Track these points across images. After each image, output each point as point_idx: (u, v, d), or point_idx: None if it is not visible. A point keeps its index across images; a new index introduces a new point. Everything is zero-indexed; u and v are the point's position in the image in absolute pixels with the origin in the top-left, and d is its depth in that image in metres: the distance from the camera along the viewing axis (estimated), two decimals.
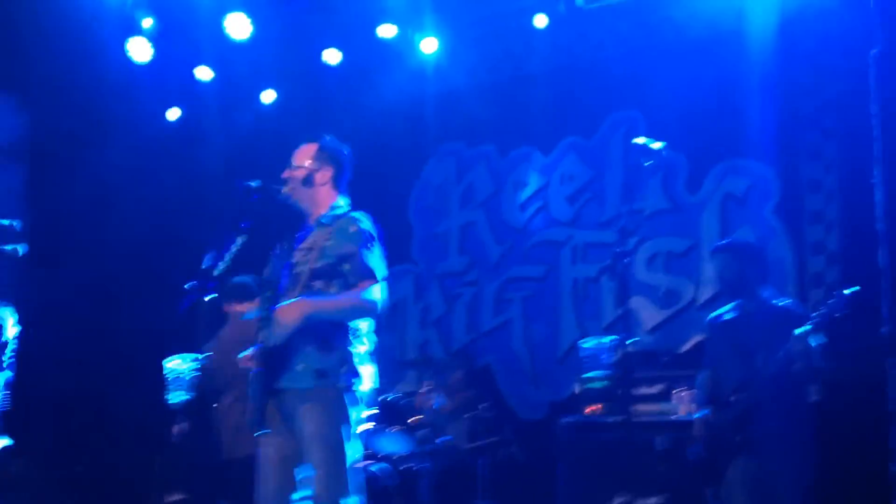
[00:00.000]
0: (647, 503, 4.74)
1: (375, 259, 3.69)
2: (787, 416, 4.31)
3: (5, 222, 4.11)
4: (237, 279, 4.88)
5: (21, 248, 4.20)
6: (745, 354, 4.42)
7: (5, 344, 3.92)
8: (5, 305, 4.58)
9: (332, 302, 3.61)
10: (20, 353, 4.18)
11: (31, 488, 6.36)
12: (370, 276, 3.63)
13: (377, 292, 3.64)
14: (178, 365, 4.73)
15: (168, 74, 7.25)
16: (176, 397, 4.70)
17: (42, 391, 5.76)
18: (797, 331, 4.14)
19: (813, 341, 4.12)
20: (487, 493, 5.81)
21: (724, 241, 5.02)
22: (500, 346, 7.13)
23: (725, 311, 4.69)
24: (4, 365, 3.93)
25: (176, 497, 5.21)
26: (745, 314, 4.56)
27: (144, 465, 5.90)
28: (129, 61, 6.95)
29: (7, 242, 4.09)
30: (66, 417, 6.47)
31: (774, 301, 4.58)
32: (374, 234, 3.74)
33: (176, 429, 4.77)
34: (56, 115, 7.00)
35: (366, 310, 3.63)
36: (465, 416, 6.19)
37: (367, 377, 3.70)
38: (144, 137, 7.30)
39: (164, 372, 4.76)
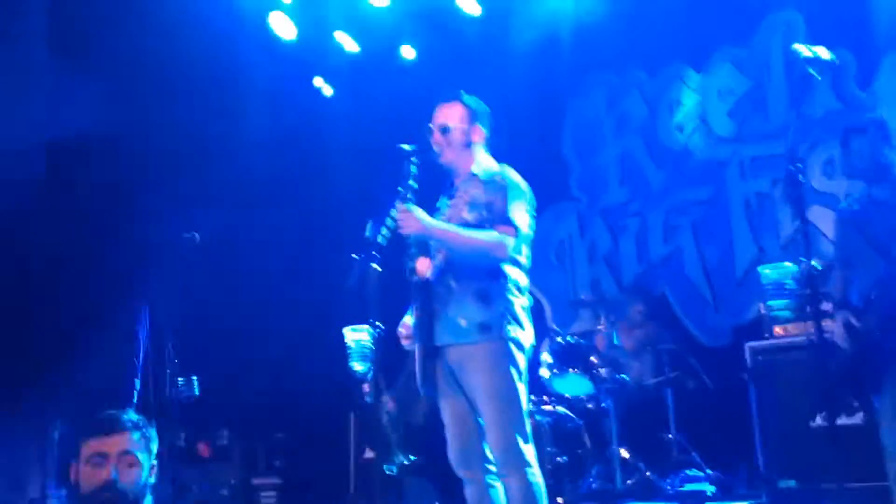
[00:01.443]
0: (850, 422, 4.50)
1: (519, 212, 3.63)
2: None
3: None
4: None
5: (197, 235, 4.38)
6: (882, 247, 3.86)
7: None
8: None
9: (459, 233, 3.58)
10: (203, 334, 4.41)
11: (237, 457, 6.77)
12: (508, 224, 3.59)
13: (510, 241, 3.58)
14: (358, 336, 4.86)
15: (312, 46, 7.36)
16: (361, 365, 4.84)
17: (231, 368, 6.05)
18: None
19: None
20: (679, 425, 5.70)
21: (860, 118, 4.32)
22: (673, 274, 6.94)
23: (856, 199, 4.13)
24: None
25: (369, 454, 5.39)
26: (880, 202, 3.96)
27: (339, 429, 6.14)
28: (271, 37, 7.09)
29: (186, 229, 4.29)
30: (259, 390, 6.79)
31: None
32: (520, 186, 3.69)
33: (365, 391, 4.92)
34: (196, 101, 7.23)
35: (492, 254, 3.57)
36: (647, 349, 6.08)
37: (529, 328, 3.66)
38: (291, 113, 7.47)
39: (346, 342, 4.91)
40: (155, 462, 2.86)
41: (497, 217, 3.60)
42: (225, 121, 7.37)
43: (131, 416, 2.87)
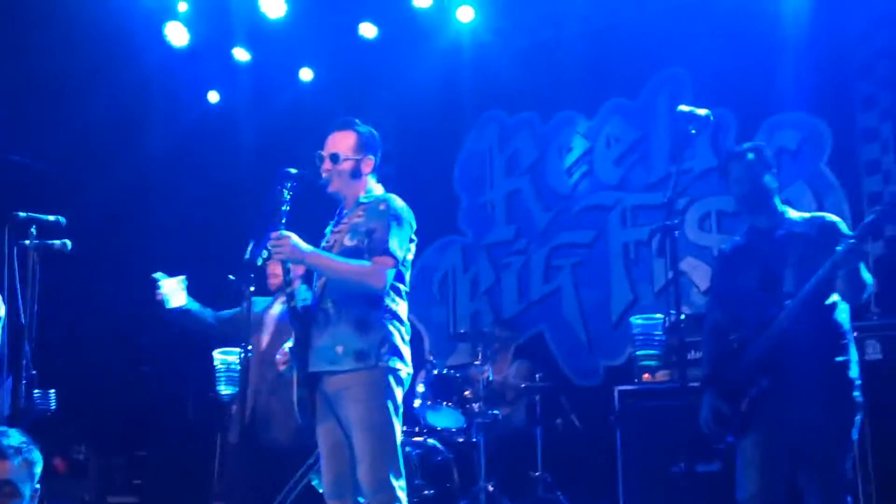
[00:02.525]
0: (707, 469, 4.65)
1: (398, 241, 3.61)
2: (823, 360, 3.52)
3: (51, 218, 4.12)
4: None
5: (69, 243, 4.20)
6: (767, 281, 3.62)
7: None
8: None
9: (333, 260, 3.56)
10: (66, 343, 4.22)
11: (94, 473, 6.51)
12: (386, 254, 3.57)
13: (387, 272, 3.56)
14: (227, 358, 4.74)
15: (206, 58, 7.25)
16: (227, 389, 4.72)
17: (94, 383, 5.84)
18: (840, 246, 3.39)
19: (859, 257, 3.44)
20: (546, 463, 5.77)
21: (739, 147, 3.96)
22: (551, 314, 7.06)
23: (740, 233, 3.90)
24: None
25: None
26: (763, 232, 3.74)
27: (204, 450, 5.98)
28: (166, 46, 6.95)
29: (53, 238, 4.10)
30: (123, 406, 6.57)
31: (802, 214, 3.79)
32: (403, 214, 3.68)
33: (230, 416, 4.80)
34: (95, 104, 7.03)
35: (367, 283, 3.54)
36: (520, 386, 6.15)
37: (408, 357, 3.65)
38: (184, 122, 7.33)
39: (215, 364, 4.79)
40: (38, 487, 2.67)
41: (376, 246, 3.57)
42: (112, 125, 7.18)
43: (13, 439, 2.67)
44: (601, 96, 7.02)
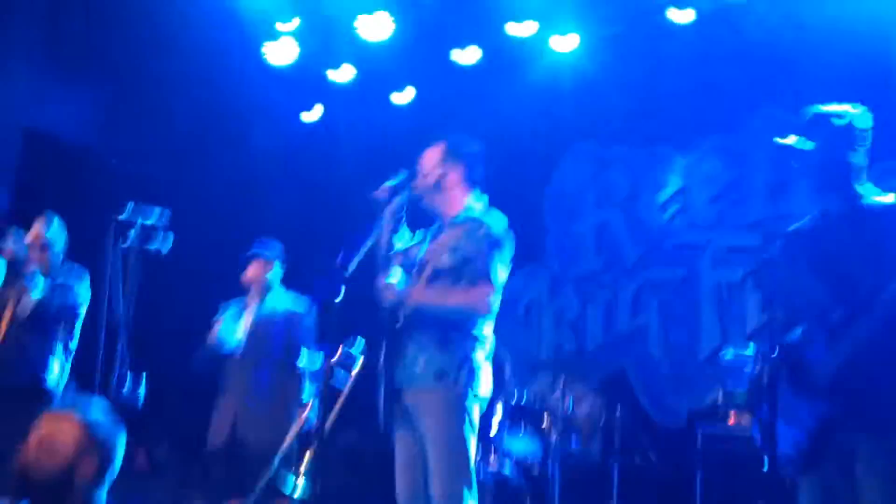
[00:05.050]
0: None
1: (498, 265, 3.64)
2: None
3: (151, 221, 4.24)
4: None
5: (167, 245, 4.32)
6: (836, 277, 3.02)
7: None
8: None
9: (438, 297, 3.60)
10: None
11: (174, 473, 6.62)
12: (486, 281, 3.60)
13: (490, 299, 3.60)
14: (313, 362, 4.82)
15: (305, 76, 7.41)
16: (309, 394, 4.78)
17: (183, 383, 5.96)
18: None
19: None
20: (622, 499, 5.66)
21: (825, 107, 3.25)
22: (636, 349, 6.95)
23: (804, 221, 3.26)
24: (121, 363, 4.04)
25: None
26: (834, 218, 3.14)
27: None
28: (266, 65, 7.14)
29: (153, 239, 4.23)
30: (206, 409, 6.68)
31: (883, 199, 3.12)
32: (503, 240, 3.69)
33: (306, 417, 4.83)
34: (195, 117, 7.26)
35: (473, 314, 3.61)
36: (600, 420, 6.06)
37: (487, 379, 3.64)
38: (282, 139, 7.49)
39: (300, 367, 4.86)
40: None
41: (478, 273, 3.60)
42: (210, 136, 7.39)
43: (91, 412, 2.70)
44: (699, 132, 6.92)
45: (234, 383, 4.91)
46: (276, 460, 4.25)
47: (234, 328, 4.93)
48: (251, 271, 5.07)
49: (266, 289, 5.07)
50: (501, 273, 3.65)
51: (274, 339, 4.95)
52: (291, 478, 4.22)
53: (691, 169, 6.97)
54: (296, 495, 4.24)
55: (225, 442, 4.86)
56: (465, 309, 3.60)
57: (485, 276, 3.59)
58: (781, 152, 3.31)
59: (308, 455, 4.18)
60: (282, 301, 5.18)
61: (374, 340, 3.80)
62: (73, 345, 5.00)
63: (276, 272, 5.12)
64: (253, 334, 4.95)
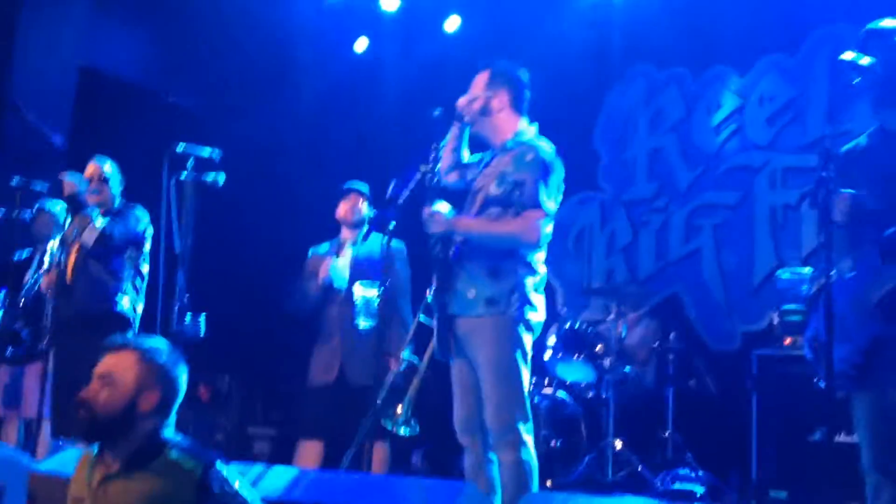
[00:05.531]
0: (848, 440, 4.48)
1: (548, 191, 3.60)
2: None
3: (206, 152, 4.29)
4: None
5: (221, 178, 4.37)
6: (892, 195, 2.96)
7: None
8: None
9: (487, 225, 3.59)
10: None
11: (236, 404, 6.81)
12: (536, 207, 3.57)
13: (540, 226, 3.57)
14: (367, 292, 4.86)
15: (354, 7, 7.36)
16: (366, 322, 4.84)
17: (241, 315, 6.07)
18: None
19: None
20: (677, 424, 5.68)
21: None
22: (689, 274, 6.89)
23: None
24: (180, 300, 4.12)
25: None
26: (893, 136, 3.09)
27: None
28: None
29: (208, 171, 4.28)
30: (266, 339, 6.82)
31: None
32: (552, 165, 3.65)
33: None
34: (248, 49, 7.26)
35: (523, 242, 3.58)
36: (654, 345, 6.07)
37: (540, 306, 3.65)
38: (332, 68, 7.48)
39: (354, 298, 4.91)
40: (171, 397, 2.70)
41: (528, 200, 3.57)
42: (262, 74, 7.41)
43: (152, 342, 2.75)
44: (756, 52, 6.73)
45: (339, 322, 4.94)
46: (380, 399, 4.30)
47: (339, 266, 4.95)
48: (345, 207, 5.06)
49: (360, 225, 5.07)
50: (551, 201, 3.62)
51: (374, 276, 4.92)
52: (396, 416, 4.29)
53: (748, 89, 6.81)
54: (400, 433, 4.33)
55: (332, 380, 4.93)
56: (515, 237, 3.57)
57: (535, 204, 3.56)
58: (840, 69, 3.26)
59: (411, 392, 4.23)
60: (377, 238, 5.14)
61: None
62: (145, 270, 5.11)
63: (368, 208, 5.10)
64: (354, 272, 4.97)
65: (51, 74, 6.46)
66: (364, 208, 5.10)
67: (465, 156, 3.87)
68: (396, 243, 4.94)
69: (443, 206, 3.63)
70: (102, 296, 4.96)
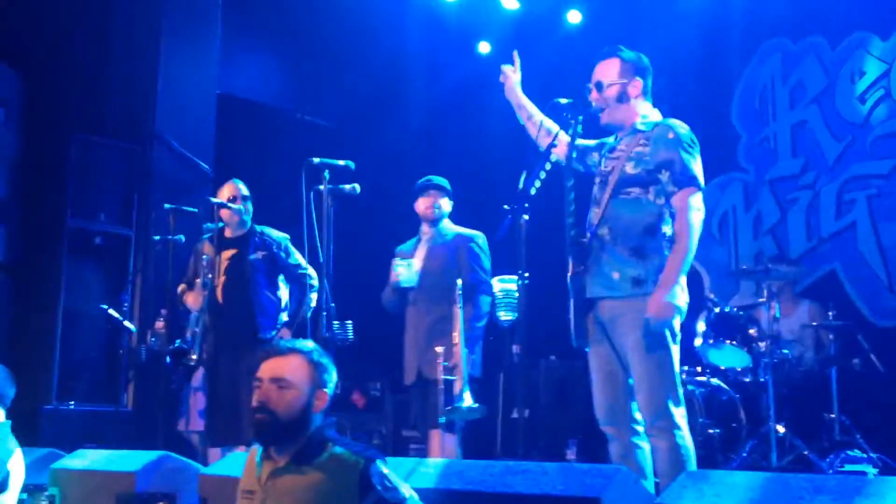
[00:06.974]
0: None
1: (697, 166, 3.52)
2: None
3: (341, 163, 4.40)
4: None
5: (358, 187, 4.46)
6: None
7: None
8: None
9: (678, 257, 3.44)
10: None
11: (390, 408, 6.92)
12: (692, 184, 3.48)
13: (699, 201, 3.48)
14: (506, 286, 4.85)
15: (475, 8, 7.40)
16: (508, 315, 4.83)
17: (385, 321, 6.15)
18: None
19: None
20: (842, 405, 5.41)
21: None
22: (845, 250, 6.58)
23: None
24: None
25: (516, 415, 5.37)
26: None
27: (487, 387, 6.15)
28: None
29: (343, 182, 4.38)
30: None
31: None
32: (694, 140, 3.57)
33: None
34: (374, 63, 7.41)
35: (698, 228, 3.45)
36: (812, 325, 5.82)
37: (684, 285, 3.54)
38: (457, 73, 7.54)
39: (494, 292, 4.91)
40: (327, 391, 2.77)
41: (680, 177, 3.47)
42: (387, 83, 7.55)
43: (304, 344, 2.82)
44: None
45: (414, 319, 4.99)
46: (460, 387, 4.33)
47: (411, 264, 4.99)
48: (424, 203, 5.10)
49: (437, 220, 5.09)
50: (701, 171, 3.52)
51: (446, 267, 4.93)
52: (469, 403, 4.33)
53: (892, 52, 6.46)
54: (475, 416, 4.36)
55: (415, 377, 4.98)
56: (693, 230, 3.41)
57: (690, 180, 3.48)
58: None
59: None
60: (451, 230, 5.13)
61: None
62: (287, 290, 5.26)
63: (446, 204, 5.11)
64: (427, 266, 5.00)
65: (192, 104, 6.77)
66: (444, 204, 5.09)
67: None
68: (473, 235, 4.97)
69: None
70: (247, 319, 5.10)
